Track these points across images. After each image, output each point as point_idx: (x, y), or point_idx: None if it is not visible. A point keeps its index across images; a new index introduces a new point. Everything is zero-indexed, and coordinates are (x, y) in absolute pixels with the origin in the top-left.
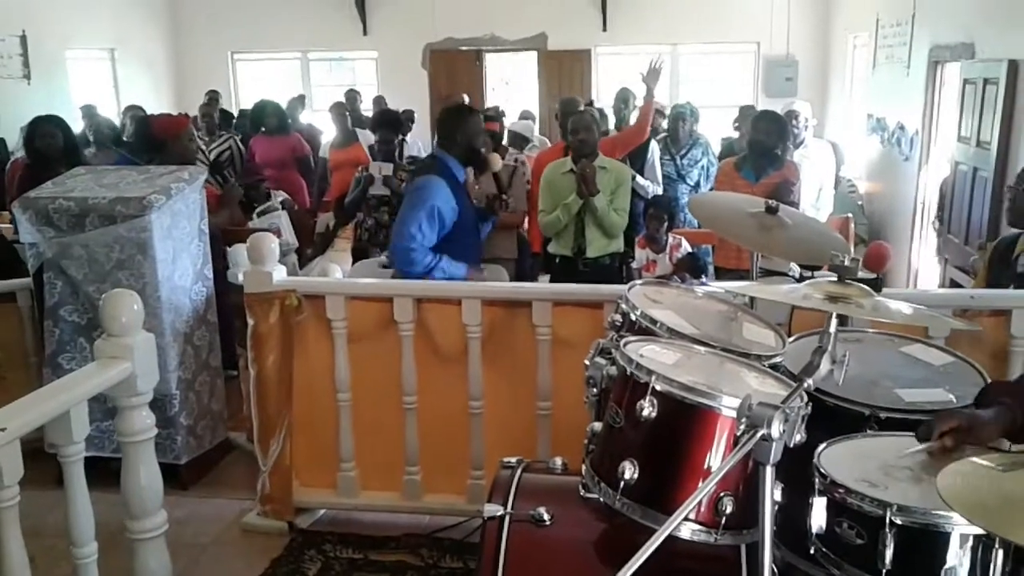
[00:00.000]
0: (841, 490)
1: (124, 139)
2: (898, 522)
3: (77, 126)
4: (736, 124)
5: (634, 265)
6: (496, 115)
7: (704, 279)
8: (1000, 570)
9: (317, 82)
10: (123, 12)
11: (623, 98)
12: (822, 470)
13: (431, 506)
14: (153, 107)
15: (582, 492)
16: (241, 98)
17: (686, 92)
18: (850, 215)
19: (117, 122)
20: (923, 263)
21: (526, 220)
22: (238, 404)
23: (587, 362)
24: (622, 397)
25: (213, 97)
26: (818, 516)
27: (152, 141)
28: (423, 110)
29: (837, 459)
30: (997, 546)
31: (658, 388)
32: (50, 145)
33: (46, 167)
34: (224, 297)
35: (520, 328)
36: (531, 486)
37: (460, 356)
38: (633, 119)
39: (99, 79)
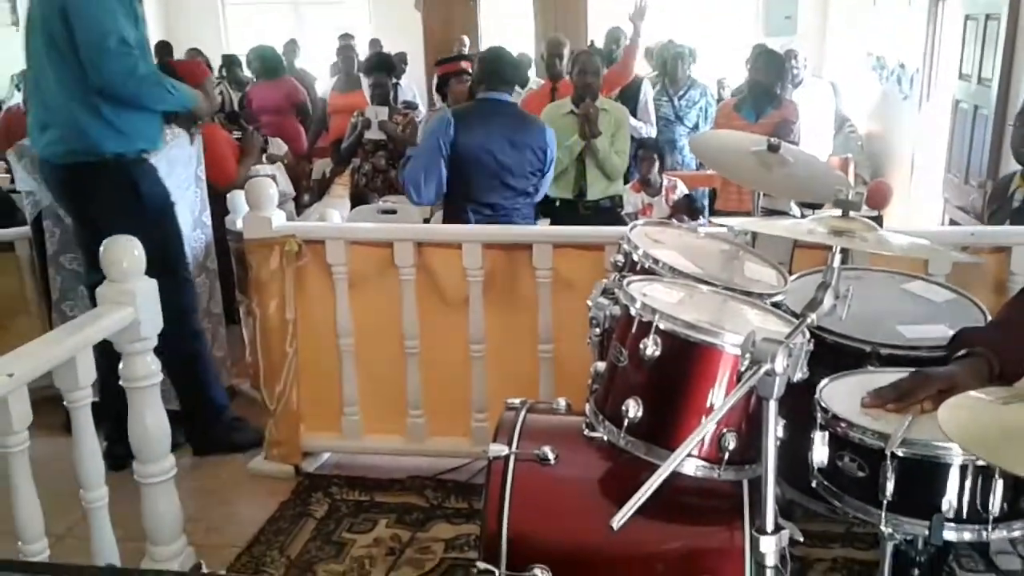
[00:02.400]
0: (843, 423)
1: None
2: (899, 454)
3: None
4: (749, 64)
5: (626, 210)
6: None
7: (702, 220)
8: (1000, 500)
9: (309, 26)
10: None
11: (614, 37)
12: (823, 404)
13: (435, 449)
14: None
15: (586, 431)
16: (232, 43)
17: (683, 31)
18: (850, 155)
19: None
20: (922, 203)
21: None
22: (240, 351)
23: (590, 303)
24: (626, 336)
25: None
26: (820, 450)
27: None
28: (417, 53)
29: (839, 394)
30: (997, 477)
31: (662, 327)
32: None
33: None
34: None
35: (521, 271)
36: (535, 426)
37: (461, 300)
38: None
39: None
